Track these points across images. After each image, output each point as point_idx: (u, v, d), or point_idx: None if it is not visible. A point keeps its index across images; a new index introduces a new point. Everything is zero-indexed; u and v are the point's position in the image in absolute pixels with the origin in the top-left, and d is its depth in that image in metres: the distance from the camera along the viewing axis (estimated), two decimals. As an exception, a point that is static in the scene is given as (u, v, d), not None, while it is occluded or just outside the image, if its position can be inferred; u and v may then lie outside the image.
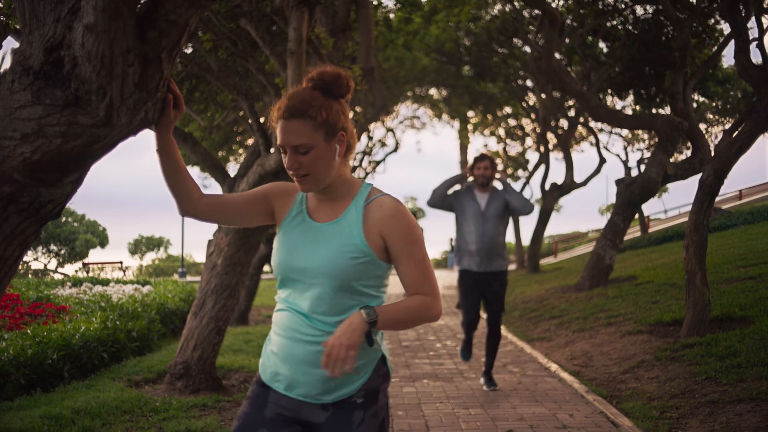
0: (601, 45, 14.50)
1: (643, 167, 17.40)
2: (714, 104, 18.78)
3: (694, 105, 17.05)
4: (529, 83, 19.06)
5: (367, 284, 1.97)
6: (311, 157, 1.93)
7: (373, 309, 1.90)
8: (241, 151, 16.82)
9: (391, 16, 15.79)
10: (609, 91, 14.87)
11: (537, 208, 19.24)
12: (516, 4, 14.72)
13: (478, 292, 6.03)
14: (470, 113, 23.52)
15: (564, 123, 20.13)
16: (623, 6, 12.63)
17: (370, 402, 1.98)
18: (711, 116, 20.57)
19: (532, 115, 20.78)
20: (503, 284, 6.07)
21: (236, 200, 2.11)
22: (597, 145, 20.73)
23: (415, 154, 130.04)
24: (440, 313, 2.02)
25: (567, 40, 13.78)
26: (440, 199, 6.10)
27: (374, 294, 1.99)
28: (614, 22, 13.26)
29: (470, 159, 32.40)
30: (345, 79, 1.98)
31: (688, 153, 12.91)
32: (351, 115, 2.11)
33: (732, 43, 8.68)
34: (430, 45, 17.24)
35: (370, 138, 25.40)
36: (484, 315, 8.51)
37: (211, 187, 25.18)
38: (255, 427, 2.00)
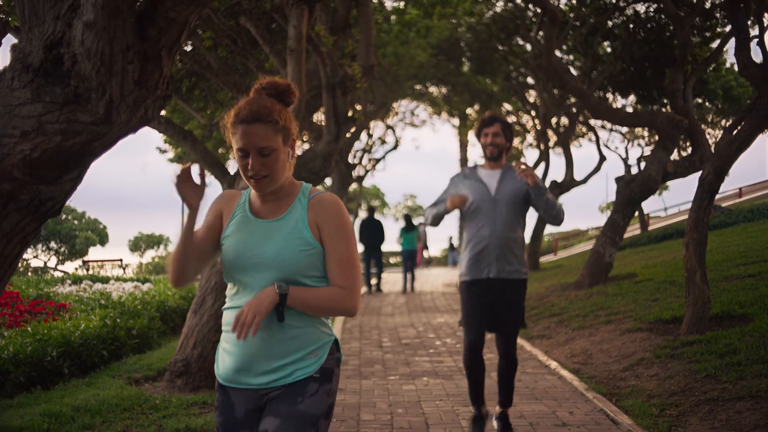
0: (603, 43, 14.50)
1: (643, 165, 17.38)
2: (712, 105, 18.77)
3: (698, 105, 17.04)
4: (530, 80, 19.05)
5: (313, 276, 2.10)
6: (273, 159, 2.06)
7: (285, 284, 2.03)
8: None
9: (389, 7, 15.76)
10: (610, 89, 14.87)
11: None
12: (518, 1, 14.71)
13: (485, 305, 4.48)
14: (469, 110, 23.51)
15: (564, 120, 20.13)
16: (624, 4, 12.62)
17: (326, 379, 2.12)
18: (711, 117, 20.58)
19: (533, 112, 20.78)
20: (520, 296, 4.51)
21: (204, 238, 2.18)
22: (597, 142, 20.73)
23: (415, 152, 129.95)
24: (356, 308, 2.12)
25: (568, 37, 13.76)
26: (440, 218, 4.61)
27: (316, 285, 2.11)
28: (616, 21, 13.25)
29: (471, 158, 32.40)
30: (294, 89, 2.16)
31: (689, 151, 12.91)
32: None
33: (732, 42, 8.67)
34: (430, 42, 17.21)
35: (369, 135, 25.39)
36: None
37: (211, 185, 25.20)
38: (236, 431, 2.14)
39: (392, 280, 20.79)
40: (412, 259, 17.01)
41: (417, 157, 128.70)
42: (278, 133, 2.06)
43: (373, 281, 16.72)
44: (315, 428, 2.07)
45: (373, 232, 15.81)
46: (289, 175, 2.18)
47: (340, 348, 2.21)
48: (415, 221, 23.57)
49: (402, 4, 15.68)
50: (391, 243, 25.88)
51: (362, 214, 28.64)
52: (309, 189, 2.19)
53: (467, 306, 4.51)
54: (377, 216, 18.35)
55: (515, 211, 4.47)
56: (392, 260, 35.09)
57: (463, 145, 31.45)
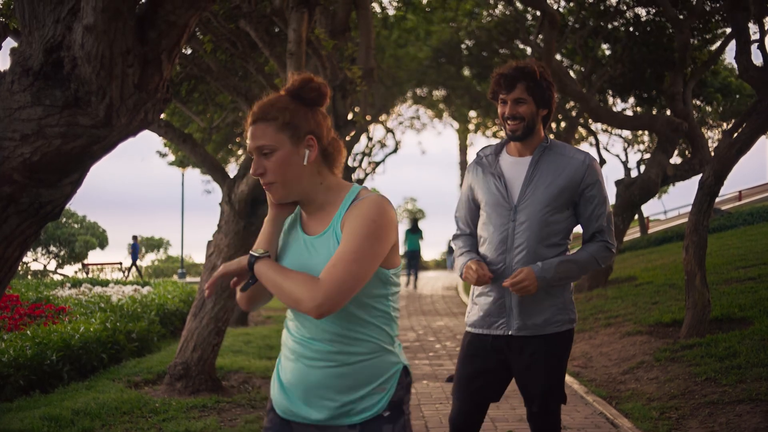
0: (603, 46, 14.51)
1: (642, 168, 17.39)
2: (712, 109, 18.79)
3: (697, 107, 17.03)
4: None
5: (375, 295, 1.85)
6: (275, 160, 1.82)
7: (260, 251, 1.85)
8: (240, 152, 16.85)
9: (390, 12, 15.79)
10: (609, 92, 14.88)
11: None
12: (518, 5, 14.73)
13: (490, 374, 2.91)
14: (472, 113, 23.55)
15: (565, 124, 20.16)
16: (625, 7, 12.64)
17: (397, 415, 1.86)
18: (711, 121, 20.60)
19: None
20: (558, 356, 2.86)
21: None
22: (597, 146, 20.76)
23: (417, 155, 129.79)
24: (314, 304, 1.70)
25: (568, 40, 13.78)
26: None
27: (377, 306, 1.87)
28: (616, 24, 13.27)
29: (470, 159, 32.38)
30: (316, 84, 1.86)
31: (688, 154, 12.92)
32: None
33: (732, 43, 8.68)
34: (431, 45, 17.27)
35: (369, 139, 25.44)
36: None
37: (212, 189, 25.19)
38: None
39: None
40: (415, 258, 19.83)
41: (421, 160, 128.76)
42: (281, 131, 1.82)
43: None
44: None
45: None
46: (330, 181, 1.91)
47: (410, 372, 1.94)
48: (421, 225, 25.66)
49: (401, 8, 15.71)
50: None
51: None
52: (357, 192, 1.88)
53: (459, 368, 2.99)
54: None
55: (553, 223, 2.78)
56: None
57: (464, 149, 31.48)
